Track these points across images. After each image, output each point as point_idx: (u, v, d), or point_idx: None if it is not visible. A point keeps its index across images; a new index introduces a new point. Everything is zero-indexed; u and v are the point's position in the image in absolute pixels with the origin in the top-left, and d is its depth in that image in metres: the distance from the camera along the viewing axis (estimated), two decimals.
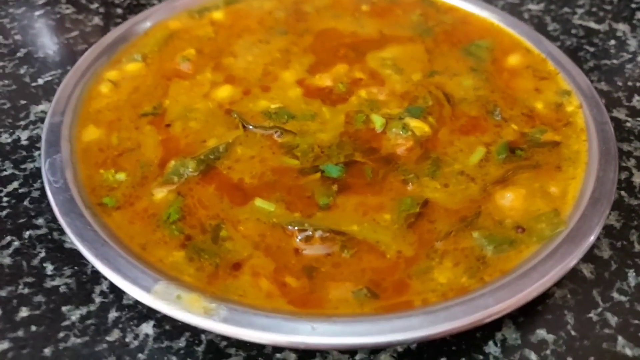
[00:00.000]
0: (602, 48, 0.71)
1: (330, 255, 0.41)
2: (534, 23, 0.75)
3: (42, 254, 0.46)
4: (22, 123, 0.58)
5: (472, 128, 0.51)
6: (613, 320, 0.43)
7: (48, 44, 0.70)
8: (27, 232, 0.48)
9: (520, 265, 0.40)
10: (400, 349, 0.41)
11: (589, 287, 0.45)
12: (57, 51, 0.69)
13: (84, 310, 0.42)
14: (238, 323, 0.35)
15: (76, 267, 0.45)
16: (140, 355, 0.40)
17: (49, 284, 0.44)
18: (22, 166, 0.54)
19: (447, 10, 0.66)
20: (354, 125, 0.51)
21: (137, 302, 0.43)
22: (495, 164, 0.48)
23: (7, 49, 0.68)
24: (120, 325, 0.41)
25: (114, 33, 0.59)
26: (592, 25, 0.75)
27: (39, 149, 0.55)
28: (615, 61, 0.69)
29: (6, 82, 0.63)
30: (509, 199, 0.44)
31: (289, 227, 0.42)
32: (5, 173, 0.53)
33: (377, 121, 0.51)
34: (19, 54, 0.67)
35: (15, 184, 0.52)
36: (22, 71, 0.65)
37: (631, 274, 0.46)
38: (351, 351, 0.40)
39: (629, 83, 0.65)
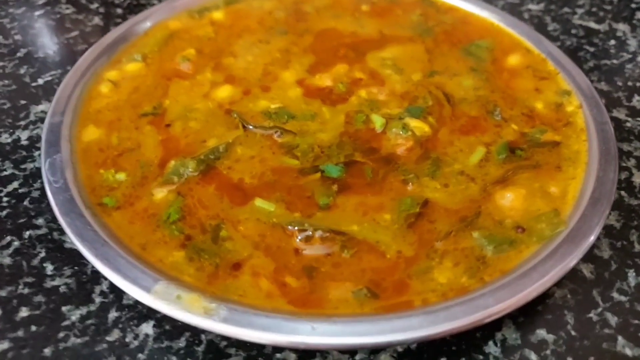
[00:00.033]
0: (602, 48, 0.71)
1: (330, 255, 0.41)
2: (534, 23, 0.75)
3: (42, 254, 0.46)
4: (22, 123, 0.58)
5: (472, 128, 0.51)
6: (613, 320, 0.43)
7: (48, 44, 0.70)
8: (27, 232, 0.48)
9: (520, 265, 0.40)
10: (400, 349, 0.41)
11: (589, 287, 0.45)
12: (57, 51, 0.69)
13: (84, 310, 0.42)
14: (238, 323, 0.35)
15: (76, 267, 0.45)
16: (140, 355, 0.40)
17: (49, 284, 0.44)
18: (22, 166, 0.54)
19: (447, 10, 0.66)
20: (354, 125, 0.51)
21: (137, 302, 0.43)
22: (495, 164, 0.48)
23: (7, 49, 0.68)
24: (120, 325, 0.41)
25: (114, 33, 0.59)
26: (592, 25, 0.75)
27: (39, 149, 0.55)
28: (615, 61, 0.69)
29: (6, 82, 0.63)
30: (509, 199, 0.44)
31: (289, 227, 0.42)
32: (5, 173, 0.53)
33: (377, 121, 0.51)
34: (19, 54, 0.67)
35: (15, 184, 0.52)
36: (22, 71, 0.65)
37: (631, 274, 0.46)
38: (351, 351, 0.40)
39: (629, 83, 0.65)
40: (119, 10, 0.76)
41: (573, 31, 0.74)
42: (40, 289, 0.44)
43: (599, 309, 0.43)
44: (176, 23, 0.63)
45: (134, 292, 0.37)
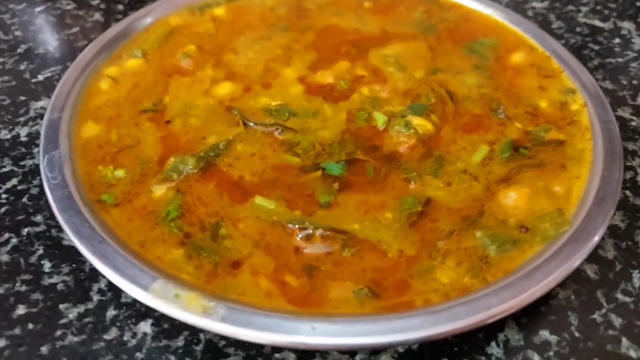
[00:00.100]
0: (607, 46, 0.70)
1: (330, 254, 0.41)
2: (538, 21, 0.75)
3: (40, 251, 0.46)
4: (22, 119, 0.58)
5: (475, 126, 0.51)
6: (617, 321, 0.42)
7: (48, 40, 0.69)
8: (26, 229, 0.47)
9: (523, 265, 0.39)
10: (401, 350, 0.40)
11: (593, 287, 0.44)
12: (58, 47, 0.68)
13: (81, 308, 0.42)
14: (237, 322, 0.34)
15: (74, 265, 0.45)
16: (138, 354, 0.39)
17: (47, 281, 0.44)
18: (22, 163, 0.53)
19: (450, 8, 0.66)
20: (355, 122, 0.51)
21: (135, 300, 0.42)
22: (499, 163, 0.47)
23: (7, 44, 0.68)
24: (118, 324, 0.41)
25: (115, 29, 0.59)
26: (597, 23, 0.75)
27: (38, 145, 0.54)
28: (620, 59, 0.68)
29: (6, 78, 0.63)
30: (512, 198, 0.44)
31: (289, 225, 0.42)
32: (4, 170, 0.53)
33: (379, 119, 0.50)
34: (19, 50, 0.67)
35: (14, 181, 0.52)
36: (22, 67, 0.65)
37: (636, 274, 0.45)
38: (351, 352, 0.40)
39: (634, 82, 0.65)
40: (120, 7, 0.75)
41: (577, 29, 0.73)
42: (38, 287, 0.43)
43: (603, 310, 0.43)
44: (177, 19, 0.62)
45: (131, 290, 0.36)
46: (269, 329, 0.34)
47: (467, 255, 0.41)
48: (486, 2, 0.65)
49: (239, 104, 0.52)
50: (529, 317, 0.42)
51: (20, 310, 0.42)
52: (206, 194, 0.44)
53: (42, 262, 0.45)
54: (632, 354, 0.40)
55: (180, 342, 0.40)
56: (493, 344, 0.40)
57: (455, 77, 0.56)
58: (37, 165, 0.53)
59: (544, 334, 0.41)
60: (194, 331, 0.40)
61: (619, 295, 0.44)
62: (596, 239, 0.40)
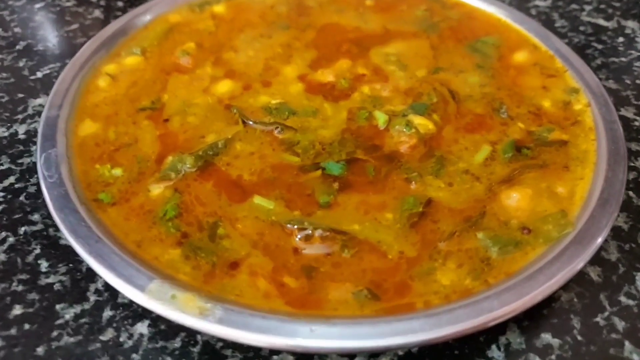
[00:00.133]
0: (611, 45, 0.70)
1: (330, 255, 0.40)
2: (542, 19, 0.74)
3: (37, 251, 0.45)
4: (20, 117, 0.57)
5: (477, 126, 0.50)
6: (620, 325, 0.42)
7: (48, 36, 0.69)
8: (23, 228, 0.47)
9: (525, 267, 0.39)
10: (401, 353, 0.40)
11: (596, 290, 0.44)
12: (57, 44, 0.68)
13: (77, 309, 0.41)
14: (234, 324, 0.34)
15: (71, 265, 0.44)
16: (134, 355, 0.39)
17: (43, 281, 0.43)
18: (19, 161, 0.53)
19: (453, 6, 0.65)
20: (356, 122, 0.50)
21: (132, 301, 0.41)
22: (501, 163, 0.47)
23: (6, 41, 0.67)
24: (114, 325, 0.40)
25: (113, 26, 0.59)
26: (601, 22, 0.74)
27: (36, 143, 0.54)
28: (623, 59, 0.68)
29: (4, 75, 0.62)
30: (514, 199, 0.43)
31: (288, 225, 0.41)
32: (1, 167, 0.52)
33: (380, 118, 0.50)
34: (18, 47, 0.67)
35: (11, 179, 0.51)
36: (21, 64, 0.64)
37: (639, 277, 0.45)
38: (350, 355, 0.39)
39: (638, 81, 0.64)
40: (120, 3, 0.75)
41: (581, 28, 0.73)
42: (34, 287, 0.43)
43: (606, 313, 0.42)
44: (176, 16, 0.62)
45: (127, 290, 0.36)
46: (266, 331, 0.33)
47: (469, 256, 0.40)
48: (489, 0, 0.65)
49: (239, 103, 0.52)
50: (530, 319, 0.41)
51: (17, 310, 0.41)
52: (204, 193, 0.44)
53: (38, 261, 0.44)
54: (636, 358, 0.40)
55: (177, 343, 0.39)
56: (494, 347, 0.40)
57: (458, 76, 0.55)
58: (35, 164, 0.52)
59: (546, 337, 0.41)
60: (191, 332, 0.40)
61: (622, 298, 0.43)
62: (599, 240, 0.40)
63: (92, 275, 0.43)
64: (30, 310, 0.41)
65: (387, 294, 0.38)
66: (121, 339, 0.40)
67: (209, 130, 0.49)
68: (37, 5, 0.74)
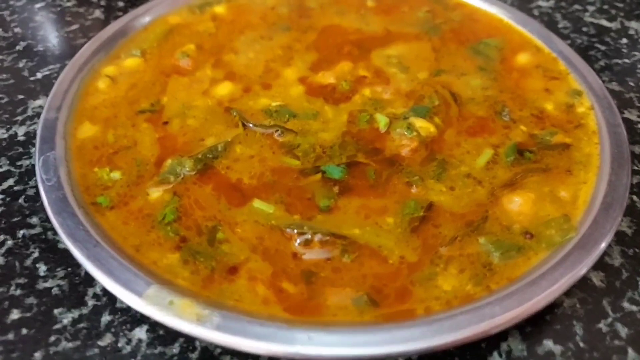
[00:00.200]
0: (614, 47, 0.69)
1: (330, 260, 0.40)
2: (544, 20, 0.73)
3: (35, 254, 0.45)
4: (20, 118, 0.57)
5: (479, 129, 0.50)
6: (623, 331, 0.41)
7: (48, 37, 0.69)
8: (21, 232, 0.46)
9: (528, 272, 0.38)
10: None
11: (599, 296, 0.43)
12: (57, 45, 0.67)
13: (76, 314, 0.41)
14: (231, 331, 0.33)
15: (69, 269, 0.44)
16: None
17: (41, 285, 0.43)
18: (18, 163, 0.53)
19: (455, 7, 0.65)
20: (357, 124, 0.50)
21: (130, 306, 0.41)
22: (504, 167, 0.46)
23: (6, 42, 0.67)
24: (112, 330, 0.40)
25: (113, 27, 0.58)
26: (604, 23, 0.73)
27: (35, 145, 0.54)
28: (627, 60, 0.67)
29: (4, 75, 0.62)
30: (517, 204, 0.43)
31: (288, 230, 0.41)
32: (0, 170, 0.52)
33: (381, 121, 0.49)
34: (18, 47, 0.66)
35: (10, 181, 0.51)
36: (20, 65, 0.64)
37: None
38: None
39: None
40: (120, 4, 0.74)
41: (584, 29, 0.72)
42: (32, 291, 0.42)
43: (609, 320, 0.42)
44: (176, 18, 0.61)
45: (124, 296, 0.35)
46: (264, 338, 0.33)
47: (470, 262, 0.40)
48: (491, 1, 0.64)
49: (239, 105, 0.51)
50: (533, 326, 0.41)
51: (14, 314, 0.41)
52: (203, 197, 0.43)
53: (37, 265, 0.44)
54: None
55: (175, 349, 0.39)
56: (495, 353, 0.39)
57: (460, 78, 0.55)
58: (34, 166, 0.52)
59: (548, 343, 0.40)
60: (190, 338, 0.39)
61: (626, 304, 0.43)
62: (603, 245, 0.39)
63: (90, 279, 0.43)
64: (28, 314, 0.41)
65: (388, 300, 0.38)
66: (119, 345, 0.39)
67: (209, 133, 0.48)
68: (38, 5, 0.74)
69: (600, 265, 0.45)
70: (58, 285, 0.43)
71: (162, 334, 0.40)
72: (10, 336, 0.40)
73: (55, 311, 0.41)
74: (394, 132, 0.48)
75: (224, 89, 0.53)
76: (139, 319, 0.41)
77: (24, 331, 0.40)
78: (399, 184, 0.45)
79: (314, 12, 0.64)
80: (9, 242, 0.46)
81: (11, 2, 0.74)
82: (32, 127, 0.56)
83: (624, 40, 0.70)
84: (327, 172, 0.45)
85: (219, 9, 0.63)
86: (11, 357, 0.39)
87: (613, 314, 0.42)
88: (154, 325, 0.40)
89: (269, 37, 0.60)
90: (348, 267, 0.39)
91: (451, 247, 0.41)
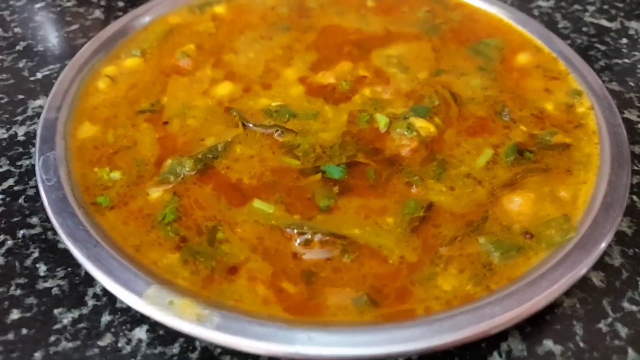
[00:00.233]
0: (614, 47, 0.69)
1: (330, 260, 0.40)
2: (544, 20, 0.73)
3: (35, 254, 0.45)
4: (20, 118, 0.57)
5: (479, 129, 0.50)
6: (623, 331, 0.41)
7: (48, 37, 0.69)
8: (21, 232, 0.46)
9: (528, 272, 0.38)
10: None
11: (599, 296, 0.43)
12: (57, 44, 0.67)
13: (76, 314, 0.41)
14: (231, 331, 0.33)
15: (69, 269, 0.44)
16: None
17: (41, 285, 0.43)
18: (18, 163, 0.53)
19: (455, 7, 0.65)
20: (357, 124, 0.50)
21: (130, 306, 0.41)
22: (504, 167, 0.46)
23: (7, 42, 0.67)
24: (112, 330, 0.40)
25: (113, 27, 0.58)
26: (604, 23, 0.73)
27: (35, 145, 0.54)
28: (627, 60, 0.67)
29: (4, 75, 0.62)
30: (517, 204, 0.43)
31: (287, 230, 0.41)
32: (0, 170, 0.52)
33: (381, 121, 0.49)
34: (18, 47, 0.66)
35: (10, 181, 0.51)
36: (20, 65, 0.64)
37: None
38: None
39: None
40: (120, 3, 0.74)
41: (584, 29, 0.72)
42: (32, 291, 0.42)
43: (609, 320, 0.42)
44: (176, 18, 0.61)
45: (124, 296, 0.35)
46: (264, 339, 0.33)
47: (470, 262, 0.40)
48: (491, 1, 0.64)
49: (239, 105, 0.51)
50: (533, 326, 0.41)
51: (14, 314, 0.41)
52: (203, 197, 0.43)
53: (37, 265, 0.44)
54: None
55: (175, 349, 0.39)
56: (495, 353, 0.39)
57: (460, 78, 0.55)
58: (34, 166, 0.52)
59: (548, 343, 0.40)
60: (190, 338, 0.39)
61: (626, 304, 0.43)
62: (603, 245, 0.39)
63: (90, 279, 0.43)
64: (28, 314, 0.41)
65: (388, 300, 0.38)
66: (119, 345, 0.39)
67: (209, 133, 0.48)
68: (38, 5, 0.74)
69: (600, 265, 0.45)
70: (58, 285, 0.43)
71: (162, 334, 0.40)
72: (10, 336, 0.40)
73: (55, 311, 0.41)
74: (394, 132, 0.48)
75: (224, 89, 0.53)
76: (139, 319, 0.41)
77: (24, 331, 0.40)
78: (399, 184, 0.45)
79: (314, 12, 0.64)
80: (9, 242, 0.46)
81: (11, 2, 0.74)
82: (32, 127, 0.56)
83: (624, 40, 0.70)
84: (327, 172, 0.45)
85: (219, 9, 0.63)
86: (11, 357, 0.39)
87: (613, 314, 0.42)
88: (154, 325, 0.40)
89: (269, 37, 0.60)
90: (348, 267, 0.39)
91: (451, 247, 0.41)
